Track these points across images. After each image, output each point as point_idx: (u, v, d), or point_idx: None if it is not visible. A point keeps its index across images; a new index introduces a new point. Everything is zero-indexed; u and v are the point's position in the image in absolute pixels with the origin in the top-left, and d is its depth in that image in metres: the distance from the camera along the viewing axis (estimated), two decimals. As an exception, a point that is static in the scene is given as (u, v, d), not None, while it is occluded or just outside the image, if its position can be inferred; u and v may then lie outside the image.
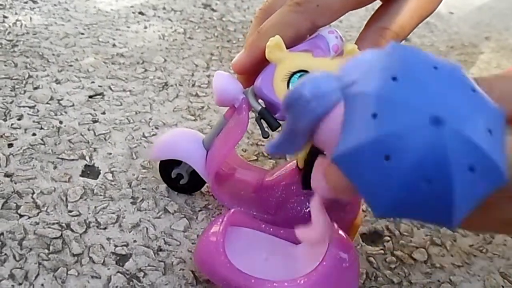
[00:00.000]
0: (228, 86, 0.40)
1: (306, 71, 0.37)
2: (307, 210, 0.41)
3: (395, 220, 0.24)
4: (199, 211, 0.47)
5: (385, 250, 0.45)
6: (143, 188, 0.48)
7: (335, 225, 0.36)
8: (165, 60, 0.75)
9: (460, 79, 0.22)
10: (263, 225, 0.40)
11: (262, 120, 0.38)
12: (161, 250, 0.42)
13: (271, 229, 0.40)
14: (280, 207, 0.42)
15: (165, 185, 0.48)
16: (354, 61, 0.24)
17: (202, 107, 0.63)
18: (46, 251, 0.40)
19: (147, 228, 0.44)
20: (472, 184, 0.21)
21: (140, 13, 0.91)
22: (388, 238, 0.46)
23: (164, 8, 0.96)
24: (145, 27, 0.86)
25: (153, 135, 0.56)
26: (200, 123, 0.59)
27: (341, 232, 0.36)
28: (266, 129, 0.38)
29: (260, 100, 0.39)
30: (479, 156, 0.21)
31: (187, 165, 0.45)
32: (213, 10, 1.00)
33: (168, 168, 0.47)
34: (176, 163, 0.46)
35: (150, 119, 0.59)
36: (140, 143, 0.55)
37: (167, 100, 0.64)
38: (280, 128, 0.37)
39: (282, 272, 0.36)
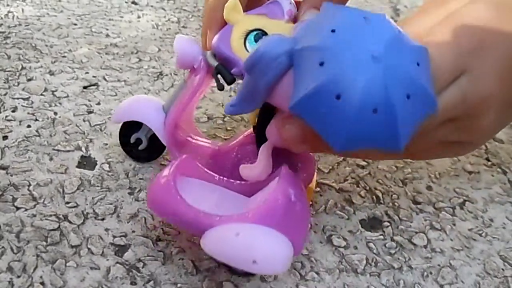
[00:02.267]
0: (188, 49, 0.42)
1: (262, 30, 0.39)
2: None
3: (350, 151, 0.26)
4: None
5: (384, 236, 0.45)
6: (140, 178, 0.48)
7: (286, 166, 0.36)
8: (159, 50, 0.74)
9: (387, 25, 0.26)
10: (216, 178, 0.40)
11: (218, 75, 0.40)
12: (159, 240, 0.41)
13: (224, 181, 0.40)
14: (235, 167, 0.42)
15: (162, 174, 0.48)
16: (302, 24, 0.28)
17: (198, 96, 0.63)
18: (44, 243, 0.40)
19: (145, 218, 0.43)
20: (410, 111, 0.25)
21: (133, 2, 0.90)
22: (387, 224, 0.46)
23: (157, -3, 0.95)
24: (138, 17, 0.85)
25: (149, 125, 0.56)
26: (195, 112, 0.59)
27: (290, 171, 0.36)
28: (221, 83, 0.41)
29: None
30: (413, 85, 0.25)
31: (147, 129, 0.47)
32: (206, -2, 0.99)
33: (128, 133, 0.48)
34: (136, 128, 0.47)
35: (146, 109, 0.59)
36: (136, 133, 0.54)
37: (162, 89, 0.64)
38: (235, 84, 0.41)
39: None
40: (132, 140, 0.48)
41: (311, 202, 0.47)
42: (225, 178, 0.41)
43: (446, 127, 0.31)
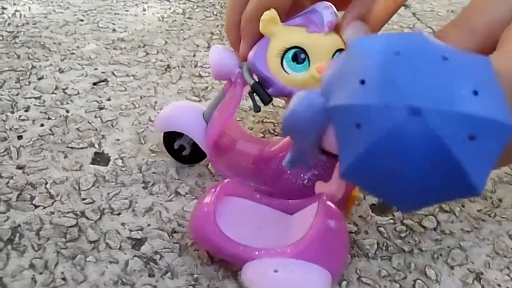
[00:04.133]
0: (224, 60, 0.40)
1: (300, 48, 0.37)
2: (302, 182, 0.42)
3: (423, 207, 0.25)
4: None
5: (394, 220, 0.46)
6: (153, 172, 0.49)
7: (324, 196, 0.37)
8: (166, 42, 0.75)
9: (427, 54, 0.21)
10: (258, 196, 0.41)
11: (254, 94, 0.39)
12: (175, 232, 0.43)
13: (266, 200, 0.41)
14: (277, 179, 0.42)
15: (175, 167, 0.49)
16: (330, 72, 0.25)
17: (206, 87, 0.64)
18: (63, 239, 0.41)
19: (160, 212, 0.44)
20: (480, 150, 0.21)
21: (138, -5, 0.91)
22: (397, 208, 0.47)
23: (161, -11, 0.95)
24: (144, 10, 0.86)
25: (160, 118, 0.57)
26: (205, 103, 0.59)
27: (329, 202, 0.37)
28: (258, 103, 0.39)
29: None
30: (473, 123, 0.20)
31: (189, 137, 0.47)
32: (210, -13, 0.99)
33: (171, 140, 0.49)
34: (178, 134, 0.48)
35: (155, 102, 0.60)
36: (147, 127, 0.55)
37: (171, 82, 0.64)
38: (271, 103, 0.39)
39: (273, 241, 0.37)
40: (176, 146, 0.48)
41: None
42: (266, 199, 0.41)
43: None
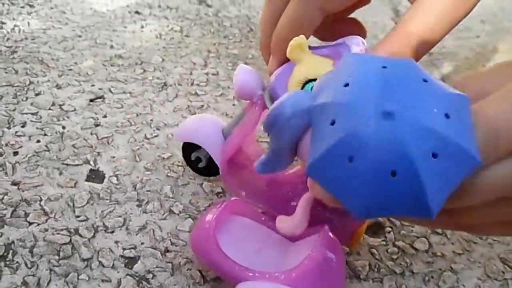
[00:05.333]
0: (247, 81, 0.40)
1: None
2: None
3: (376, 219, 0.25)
4: (204, 210, 0.48)
5: (387, 241, 0.46)
6: (147, 190, 0.49)
7: (326, 227, 0.37)
8: (163, 60, 0.75)
9: (409, 73, 0.23)
10: (263, 218, 0.41)
11: None
12: (168, 251, 0.43)
13: (271, 223, 0.41)
14: (287, 205, 0.43)
15: (169, 186, 0.50)
16: (323, 77, 0.26)
17: (202, 106, 0.64)
18: (57, 257, 0.41)
19: (153, 230, 0.45)
20: (440, 171, 0.21)
21: (136, 12, 0.92)
22: (390, 229, 0.47)
23: (159, 6, 0.96)
24: (142, 27, 0.87)
25: (155, 136, 0.57)
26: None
27: (330, 234, 0.37)
28: None
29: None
30: (439, 141, 0.21)
31: (206, 150, 0.47)
32: (208, 5, 1.00)
33: (190, 150, 0.50)
34: (197, 146, 0.49)
35: (151, 120, 0.60)
36: (143, 145, 0.55)
37: (167, 100, 0.65)
38: None
39: (271, 265, 0.37)
40: (193, 158, 0.50)
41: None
42: (270, 222, 0.41)
43: (505, 206, 0.25)
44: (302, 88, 0.37)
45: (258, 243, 0.40)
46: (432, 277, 0.43)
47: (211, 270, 0.40)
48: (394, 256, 0.45)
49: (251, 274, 0.35)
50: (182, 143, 0.50)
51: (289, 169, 0.46)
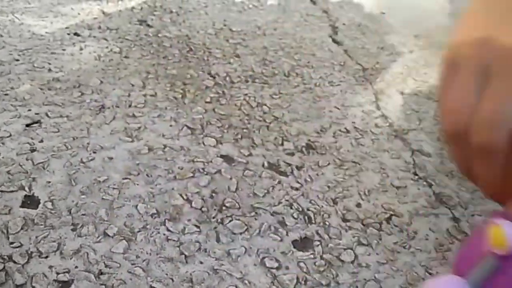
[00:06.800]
0: None
1: None
2: None
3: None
4: (138, 232, 0.49)
5: (315, 255, 0.48)
6: (82, 214, 0.50)
7: None
8: (102, 82, 0.76)
9: None
10: None
11: None
12: (102, 273, 0.44)
13: None
14: None
15: (104, 209, 0.51)
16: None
17: (139, 128, 0.65)
18: (-11, 285, 0.42)
19: (87, 253, 0.45)
20: None
21: (76, 34, 0.92)
22: (318, 243, 0.49)
23: (99, 28, 0.97)
24: (81, 49, 0.87)
25: (91, 160, 0.58)
26: (137, 144, 0.61)
27: None
28: None
29: None
30: None
31: None
32: (148, 26, 1.01)
33: None
34: None
35: (88, 143, 0.61)
36: (79, 169, 0.56)
37: (104, 123, 0.66)
38: None
39: None
40: None
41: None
42: None
43: None
44: None
45: None
46: (357, 287, 0.45)
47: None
48: (321, 269, 0.47)
49: None
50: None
51: None
